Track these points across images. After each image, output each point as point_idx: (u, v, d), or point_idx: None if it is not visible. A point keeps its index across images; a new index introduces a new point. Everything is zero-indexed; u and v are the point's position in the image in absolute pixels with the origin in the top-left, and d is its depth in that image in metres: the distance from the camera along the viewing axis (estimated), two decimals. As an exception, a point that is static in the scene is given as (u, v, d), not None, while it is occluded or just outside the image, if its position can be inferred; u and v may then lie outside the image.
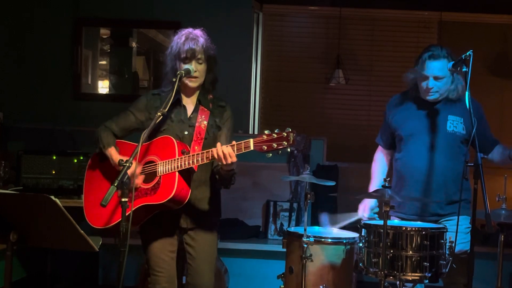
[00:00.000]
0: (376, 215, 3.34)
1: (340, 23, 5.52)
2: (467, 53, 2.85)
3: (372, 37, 5.62)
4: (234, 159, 2.64)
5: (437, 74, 3.09)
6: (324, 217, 3.44)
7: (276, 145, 2.57)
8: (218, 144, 2.67)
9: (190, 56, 2.83)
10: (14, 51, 5.21)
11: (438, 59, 3.09)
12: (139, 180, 2.80)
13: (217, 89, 3.01)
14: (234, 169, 2.78)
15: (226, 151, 2.63)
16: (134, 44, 5.42)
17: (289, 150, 2.60)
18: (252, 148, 2.61)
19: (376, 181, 3.39)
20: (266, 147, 2.58)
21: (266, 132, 2.60)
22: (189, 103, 2.95)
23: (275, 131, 2.59)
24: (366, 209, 3.34)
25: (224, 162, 2.66)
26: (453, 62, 3.04)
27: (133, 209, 2.74)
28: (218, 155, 2.64)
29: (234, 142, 2.65)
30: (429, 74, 3.10)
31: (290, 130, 2.57)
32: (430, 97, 3.15)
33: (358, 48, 5.61)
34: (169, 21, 5.04)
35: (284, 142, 2.56)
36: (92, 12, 5.22)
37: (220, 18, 5.03)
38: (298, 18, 5.72)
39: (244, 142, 2.63)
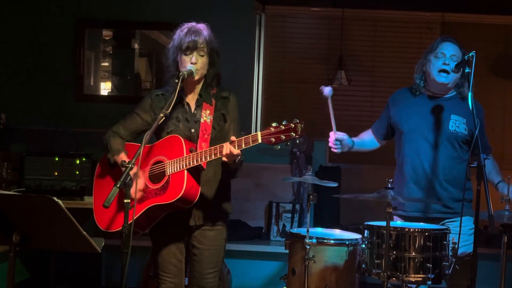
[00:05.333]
0: (340, 147, 3.24)
1: (342, 24, 5.52)
2: (470, 54, 2.86)
3: (374, 38, 5.61)
4: (236, 152, 2.62)
5: (453, 53, 3.11)
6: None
7: (284, 137, 2.52)
8: (226, 144, 2.64)
9: (192, 47, 2.80)
10: (17, 53, 5.22)
11: (454, 43, 3.16)
12: (141, 183, 2.78)
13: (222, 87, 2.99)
14: (239, 159, 2.72)
15: (228, 150, 2.61)
16: (136, 46, 5.42)
17: (298, 141, 2.55)
18: (260, 141, 2.56)
19: (358, 137, 3.41)
20: (274, 139, 2.53)
21: (273, 124, 2.55)
22: (192, 99, 2.92)
23: (283, 123, 2.54)
24: (337, 135, 3.25)
25: (230, 160, 2.65)
26: (456, 62, 3.05)
27: (144, 209, 2.76)
28: (226, 153, 2.63)
29: (242, 138, 2.62)
30: (446, 52, 3.12)
31: (298, 121, 2.53)
32: (442, 79, 3.14)
33: (361, 49, 5.60)
34: (171, 23, 5.04)
35: (292, 133, 2.52)
36: (94, 13, 5.22)
37: (222, 19, 5.02)
38: (300, 19, 5.71)
39: (251, 135, 2.59)
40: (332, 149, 3.27)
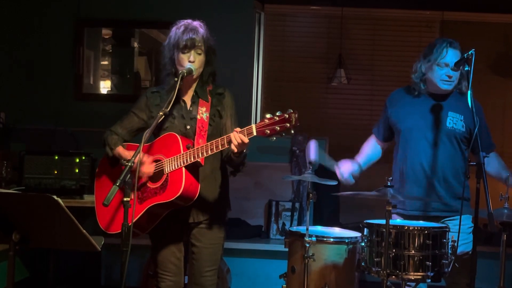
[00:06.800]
0: (352, 179, 3.30)
1: (342, 22, 5.52)
2: (469, 52, 2.86)
3: (374, 36, 5.61)
4: (246, 141, 2.59)
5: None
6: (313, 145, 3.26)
7: (279, 128, 2.50)
8: (234, 133, 2.60)
9: (190, 45, 2.80)
10: (16, 52, 5.22)
11: (456, 49, 3.14)
12: (148, 169, 2.77)
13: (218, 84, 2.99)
14: (245, 152, 2.71)
15: (239, 139, 2.58)
16: (136, 44, 5.42)
17: (292, 131, 2.51)
18: (255, 133, 2.55)
19: (362, 155, 3.41)
20: (269, 131, 2.51)
21: (267, 115, 2.53)
22: (187, 96, 2.93)
23: (277, 114, 2.52)
24: (346, 171, 3.30)
25: (239, 150, 2.62)
26: (455, 60, 3.05)
27: (145, 210, 2.75)
28: (236, 143, 2.58)
29: (238, 129, 2.61)
30: (449, 61, 3.11)
31: (292, 111, 2.50)
32: (446, 86, 3.14)
33: (360, 48, 5.60)
34: (170, 21, 5.04)
35: (286, 124, 2.49)
36: (93, 12, 5.22)
37: (221, 18, 5.03)
38: (300, 18, 5.71)
39: (246, 128, 2.58)
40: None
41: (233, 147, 2.61)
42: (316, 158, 3.21)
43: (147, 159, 2.79)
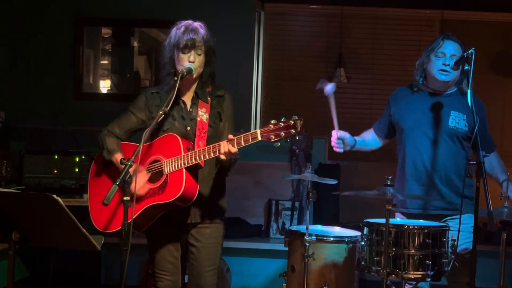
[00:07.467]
0: (342, 146, 3.25)
1: (341, 21, 5.52)
2: (469, 51, 2.86)
3: (373, 35, 5.61)
4: (234, 150, 2.62)
5: (453, 52, 3.11)
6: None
7: (283, 134, 2.52)
8: (223, 142, 2.64)
9: (190, 45, 2.79)
10: (16, 51, 5.22)
11: (455, 41, 3.15)
12: (142, 180, 2.78)
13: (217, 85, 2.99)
14: (234, 157, 2.73)
15: (227, 149, 2.62)
16: (135, 44, 5.42)
17: (297, 137, 2.55)
18: (259, 138, 2.56)
19: (361, 136, 3.42)
20: (273, 137, 2.53)
21: (272, 121, 2.55)
22: (187, 98, 2.92)
23: (282, 120, 2.54)
24: (335, 135, 3.27)
25: (228, 158, 2.65)
26: (455, 60, 3.05)
27: (142, 209, 2.75)
28: (224, 152, 2.63)
29: (241, 136, 2.62)
30: (446, 51, 3.12)
31: (297, 117, 2.52)
32: (443, 77, 3.14)
33: (360, 47, 5.60)
34: (170, 21, 5.03)
35: (291, 130, 2.52)
36: (93, 11, 5.22)
37: (221, 17, 5.03)
38: (300, 17, 5.72)
39: (251, 133, 2.59)
40: (334, 148, 3.28)
41: (221, 156, 2.64)
42: (332, 91, 3.17)
43: (144, 174, 2.78)
